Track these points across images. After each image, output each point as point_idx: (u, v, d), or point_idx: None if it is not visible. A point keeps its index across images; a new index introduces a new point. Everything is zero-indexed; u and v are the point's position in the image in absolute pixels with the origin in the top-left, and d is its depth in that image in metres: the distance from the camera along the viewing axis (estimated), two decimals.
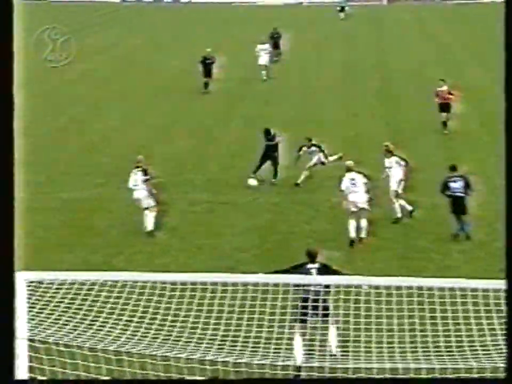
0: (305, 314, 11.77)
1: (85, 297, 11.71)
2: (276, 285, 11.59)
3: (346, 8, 67.33)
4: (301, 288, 11.66)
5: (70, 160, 26.17)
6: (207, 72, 36.32)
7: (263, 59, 38.87)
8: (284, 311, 12.25)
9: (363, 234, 18.32)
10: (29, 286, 11.06)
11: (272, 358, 11.13)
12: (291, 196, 21.98)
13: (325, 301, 11.81)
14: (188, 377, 10.33)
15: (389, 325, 11.28)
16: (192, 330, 11.11)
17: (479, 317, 11.29)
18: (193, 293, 11.93)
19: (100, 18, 72.44)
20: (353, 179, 18.38)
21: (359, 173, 18.63)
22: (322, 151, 22.83)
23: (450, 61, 45.23)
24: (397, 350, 10.85)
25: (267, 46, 39.83)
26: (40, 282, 11.32)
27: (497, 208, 18.35)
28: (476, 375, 10.56)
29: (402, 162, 20.01)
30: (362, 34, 57.73)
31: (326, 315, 12.20)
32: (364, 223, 18.30)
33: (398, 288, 10.77)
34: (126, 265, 16.87)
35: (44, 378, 10.33)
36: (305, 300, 11.58)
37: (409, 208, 19.91)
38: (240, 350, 11.23)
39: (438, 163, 24.41)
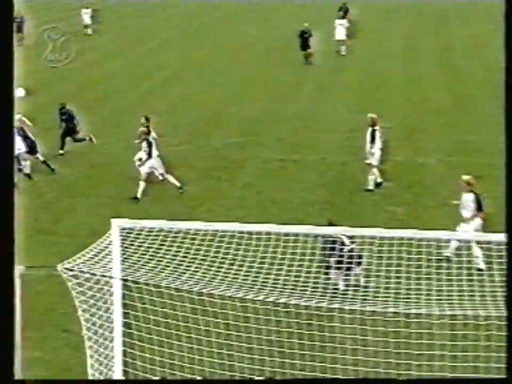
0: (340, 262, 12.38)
1: (170, 244, 11.89)
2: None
3: None
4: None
5: (156, 120, 26.40)
6: (305, 45, 35.58)
7: (340, 34, 37.06)
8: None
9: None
10: (121, 232, 11.30)
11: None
12: (356, 155, 21.78)
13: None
14: (263, 318, 10.44)
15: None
16: (267, 276, 11.19)
17: None
18: (267, 242, 12.01)
19: None
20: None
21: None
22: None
23: None
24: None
25: (345, 21, 37.88)
26: (131, 229, 11.54)
27: None
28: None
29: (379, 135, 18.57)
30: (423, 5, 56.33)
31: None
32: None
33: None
34: (207, 216, 17.01)
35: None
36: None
37: (378, 180, 18.83)
38: (309, 294, 11.26)
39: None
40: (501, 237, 8.03)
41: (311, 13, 54.05)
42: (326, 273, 12.68)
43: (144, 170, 18.83)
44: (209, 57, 38.32)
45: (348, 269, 12.97)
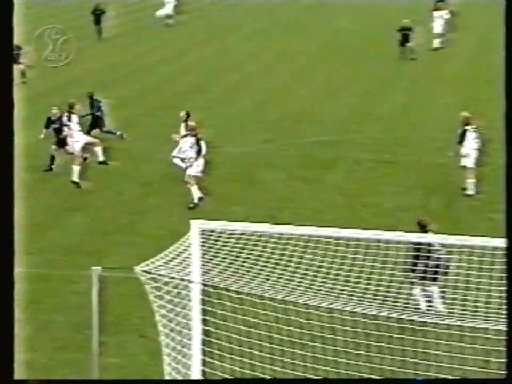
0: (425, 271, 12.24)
1: (253, 248, 11.95)
2: (443, 245, 11.37)
3: None
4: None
5: (240, 116, 26.62)
6: (404, 41, 34.81)
7: (438, 27, 35.89)
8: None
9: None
10: (202, 234, 11.43)
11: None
12: (457, 157, 21.39)
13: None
14: (351, 330, 10.37)
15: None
16: (356, 285, 11.12)
17: None
18: (356, 249, 11.92)
19: None
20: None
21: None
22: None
23: None
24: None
25: (443, 12, 36.23)
26: (212, 231, 11.65)
27: None
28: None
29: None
30: None
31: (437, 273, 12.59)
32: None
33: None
34: (292, 219, 17.03)
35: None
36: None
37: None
38: (392, 305, 11.13)
39: None
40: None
41: (411, 6, 53.34)
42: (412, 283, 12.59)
43: (192, 172, 18.36)
44: (299, 49, 38.34)
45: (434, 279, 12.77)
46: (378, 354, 10.09)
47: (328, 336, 10.33)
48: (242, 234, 12.00)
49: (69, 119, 19.85)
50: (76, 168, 19.15)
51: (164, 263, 10.85)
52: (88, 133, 21.53)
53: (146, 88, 30.50)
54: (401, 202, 18.35)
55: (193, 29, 44.25)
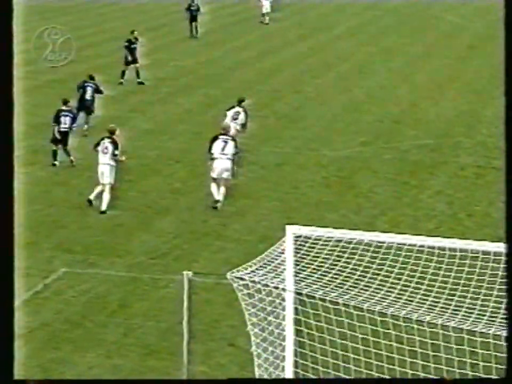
0: None
1: (350, 256, 11.88)
2: None
3: None
4: None
5: (335, 117, 26.54)
6: None
7: None
8: None
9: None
10: (296, 240, 11.43)
11: None
12: None
13: None
14: (454, 347, 10.18)
15: None
16: (461, 299, 10.91)
17: None
18: (462, 261, 11.70)
19: None
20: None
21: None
22: None
23: None
24: None
25: None
26: (307, 237, 11.64)
27: None
28: None
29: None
30: None
31: None
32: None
33: None
34: (389, 227, 16.86)
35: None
36: None
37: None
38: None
39: None
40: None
41: None
42: None
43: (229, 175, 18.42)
44: (398, 47, 38.02)
45: None
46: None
47: (432, 353, 10.18)
48: (338, 241, 11.95)
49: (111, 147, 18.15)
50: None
51: (257, 269, 10.91)
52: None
53: (237, 87, 30.77)
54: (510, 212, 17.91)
55: (288, 25, 44.39)
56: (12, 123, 4.89)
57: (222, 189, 18.45)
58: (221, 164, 18.37)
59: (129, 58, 29.62)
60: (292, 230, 11.41)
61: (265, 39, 40.60)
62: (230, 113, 21.28)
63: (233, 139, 18.74)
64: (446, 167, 21.19)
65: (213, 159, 18.40)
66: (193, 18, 40.09)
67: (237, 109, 21.41)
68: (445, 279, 11.61)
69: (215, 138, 18.54)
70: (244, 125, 21.44)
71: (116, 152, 17.91)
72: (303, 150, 22.74)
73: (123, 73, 29.91)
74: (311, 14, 49.12)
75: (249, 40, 40.23)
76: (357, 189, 19.81)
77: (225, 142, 18.46)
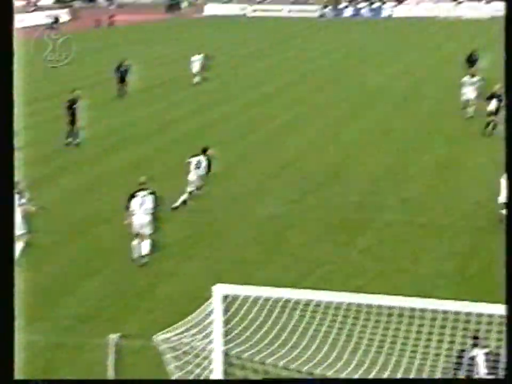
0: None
1: (279, 315, 11.89)
2: (479, 314, 11.26)
3: None
4: None
5: (265, 175, 26.71)
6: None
7: (468, 94, 33.96)
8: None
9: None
10: (225, 300, 11.41)
11: None
12: (494, 221, 21.30)
13: None
14: None
15: None
16: (389, 357, 10.99)
17: None
18: (388, 318, 11.82)
19: (296, 33, 73.73)
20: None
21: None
22: None
23: None
24: None
25: (476, 79, 34.16)
26: (235, 297, 11.63)
27: None
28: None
29: None
30: None
31: None
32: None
33: None
34: (320, 284, 16.94)
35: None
36: None
37: None
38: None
39: None
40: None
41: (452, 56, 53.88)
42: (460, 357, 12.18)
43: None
44: (329, 103, 38.69)
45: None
46: None
47: None
48: (267, 300, 11.96)
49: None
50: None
51: (184, 331, 10.84)
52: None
53: (164, 147, 30.80)
54: (437, 268, 18.22)
55: (217, 85, 44.80)
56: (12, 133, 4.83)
57: (146, 244, 18.52)
58: (140, 219, 18.49)
59: (71, 118, 29.55)
60: (220, 290, 11.40)
61: (195, 98, 40.90)
62: (193, 161, 22.36)
63: (152, 193, 18.82)
64: (373, 224, 21.49)
65: (131, 215, 18.52)
66: (122, 79, 40.18)
67: (200, 157, 22.38)
68: (372, 336, 11.70)
69: (132, 195, 18.67)
70: (206, 173, 22.43)
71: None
72: (232, 208, 22.83)
73: (68, 133, 29.80)
74: (241, 72, 49.74)
75: (177, 100, 40.48)
76: (287, 246, 19.92)
77: (144, 197, 18.58)
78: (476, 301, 12.53)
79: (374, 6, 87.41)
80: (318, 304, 12.05)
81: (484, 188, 24.22)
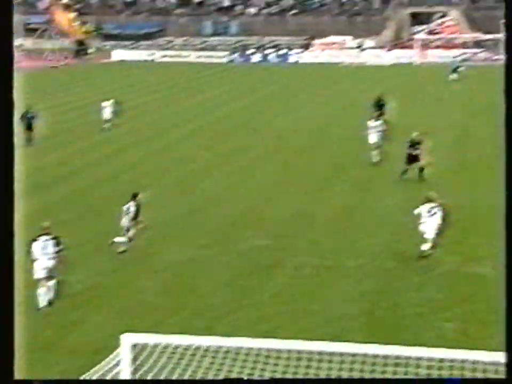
0: None
1: (188, 363, 11.82)
2: (385, 357, 11.41)
3: (460, 69, 66.76)
4: None
5: (174, 220, 26.64)
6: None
7: (374, 138, 34.31)
8: None
9: None
10: (133, 349, 11.28)
11: None
12: (400, 262, 21.72)
13: None
14: None
15: None
16: None
17: None
18: (298, 362, 11.88)
19: (205, 79, 74.32)
20: None
21: None
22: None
23: None
24: None
25: (379, 122, 35.02)
26: (144, 346, 11.51)
27: None
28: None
29: None
30: (476, 95, 57.21)
31: None
32: None
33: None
34: (229, 330, 16.92)
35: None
36: None
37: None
38: None
39: None
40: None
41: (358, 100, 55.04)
42: None
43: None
44: (238, 147, 38.97)
45: None
46: None
47: None
48: (176, 348, 11.88)
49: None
50: None
51: (92, 382, 10.65)
52: None
53: (72, 194, 30.42)
54: (345, 310, 18.42)
55: (127, 131, 44.62)
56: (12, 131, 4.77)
57: (50, 288, 18.24)
58: (43, 264, 18.22)
59: None
60: (128, 339, 11.27)
61: (104, 144, 40.62)
62: (124, 208, 22.57)
63: (55, 238, 18.57)
64: (283, 268, 21.62)
65: (33, 260, 18.24)
66: (29, 126, 39.58)
67: (130, 203, 22.50)
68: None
69: (34, 239, 18.40)
70: (133, 219, 22.39)
71: None
72: (140, 255, 22.64)
73: None
74: (150, 118, 49.69)
75: (86, 146, 40.12)
76: (197, 292, 19.84)
77: (46, 242, 18.34)
78: (384, 343, 12.71)
79: (281, 52, 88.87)
80: (227, 351, 12.04)
81: (390, 230, 24.73)
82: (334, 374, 12.11)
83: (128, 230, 22.49)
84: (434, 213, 21.38)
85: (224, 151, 38.55)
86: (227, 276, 20.97)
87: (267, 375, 11.91)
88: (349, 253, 22.62)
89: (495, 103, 55.22)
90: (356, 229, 25.17)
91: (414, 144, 30.82)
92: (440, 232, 21.54)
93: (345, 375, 11.96)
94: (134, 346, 11.24)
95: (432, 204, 21.49)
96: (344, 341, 15.77)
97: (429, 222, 21.36)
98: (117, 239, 22.53)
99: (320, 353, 11.71)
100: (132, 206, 22.50)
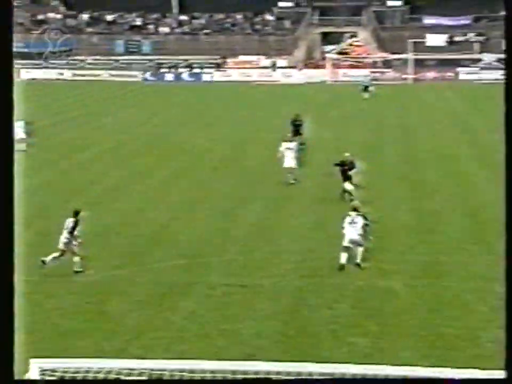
0: None
1: None
2: (299, 373, 11.46)
3: (370, 88, 68.12)
4: None
5: (87, 242, 26.23)
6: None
7: (289, 161, 33.81)
8: None
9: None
10: (42, 374, 11.03)
11: None
12: (313, 279, 21.89)
13: None
14: None
15: None
16: None
17: None
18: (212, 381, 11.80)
19: (118, 98, 73.78)
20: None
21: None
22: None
23: (478, 143, 45.47)
24: None
25: (293, 144, 34.40)
26: (54, 370, 11.27)
27: None
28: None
29: None
30: (387, 114, 58.38)
31: None
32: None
33: (426, 379, 10.60)
34: (143, 352, 16.74)
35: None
36: None
37: None
38: None
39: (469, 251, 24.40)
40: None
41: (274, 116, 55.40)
42: None
43: None
44: (151, 166, 38.72)
45: None
46: None
47: None
48: (88, 371, 11.67)
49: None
50: None
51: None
52: None
53: None
54: (259, 329, 18.43)
55: (37, 151, 43.82)
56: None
57: None
58: None
59: None
60: (36, 364, 11.02)
61: (18, 164, 39.71)
62: (65, 223, 22.75)
63: None
64: (198, 287, 21.52)
65: None
66: None
67: (70, 219, 22.81)
68: None
69: None
70: (70, 233, 22.60)
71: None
72: (50, 277, 22.19)
73: None
74: (60, 138, 48.92)
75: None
76: (109, 314, 19.56)
77: None
78: (298, 361, 12.74)
79: (194, 71, 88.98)
80: (141, 373, 11.90)
81: (304, 247, 24.90)
82: None
83: (67, 244, 22.58)
84: (357, 222, 22.47)
85: (139, 169, 38.27)
86: (141, 296, 20.75)
87: None
88: (263, 272, 22.68)
89: (405, 120, 56.51)
90: (270, 247, 25.27)
91: (346, 164, 30.63)
92: (365, 239, 22.63)
93: None
94: (43, 371, 11.00)
95: (356, 213, 22.71)
96: (259, 360, 15.80)
97: (353, 229, 22.37)
98: (49, 258, 22.43)
99: (233, 372, 11.67)
100: (70, 222, 22.74)
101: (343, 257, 22.06)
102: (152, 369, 11.95)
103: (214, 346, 17.31)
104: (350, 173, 30.48)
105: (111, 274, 22.61)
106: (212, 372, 11.69)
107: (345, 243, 22.21)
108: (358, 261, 22.13)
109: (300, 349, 17.06)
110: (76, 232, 22.73)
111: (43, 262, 22.38)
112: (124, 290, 21.25)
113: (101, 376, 11.78)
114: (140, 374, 11.86)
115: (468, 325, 18.40)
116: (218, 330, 18.36)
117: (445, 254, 23.96)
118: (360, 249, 22.22)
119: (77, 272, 22.47)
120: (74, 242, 22.66)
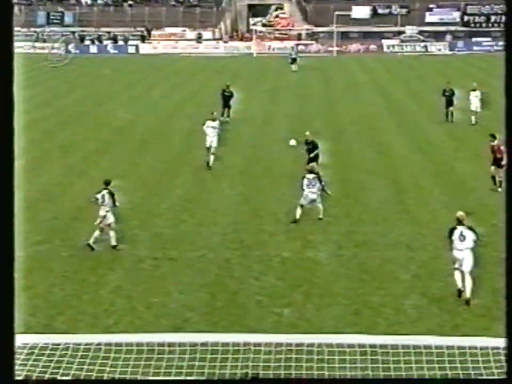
0: None
1: (23, 362, 11.50)
2: (226, 344, 11.55)
3: (298, 60, 68.37)
4: None
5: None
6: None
7: (210, 139, 32.22)
8: (233, 372, 12.18)
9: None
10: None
11: None
12: (240, 251, 22.00)
13: None
14: None
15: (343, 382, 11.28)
16: None
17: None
18: (139, 355, 11.81)
19: (44, 69, 72.41)
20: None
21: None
22: None
23: (400, 112, 46.15)
24: None
25: (216, 123, 32.69)
26: None
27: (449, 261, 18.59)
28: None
29: None
30: (313, 85, 58.71)
31: None
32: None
33: (351, 345, 10.80)
34: (68, 327, 16.60)
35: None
36: None
37: None
38: None
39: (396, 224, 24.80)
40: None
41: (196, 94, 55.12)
42: None
43: None
44: (73, 143, 38.19)
45: None
46: None
47: None
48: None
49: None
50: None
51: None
52: None
53: None
54: (186, 301, 18.45)
55: None
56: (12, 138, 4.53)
57: None
58: None
59: None
60: None
61: None
62: (98, 196, 22.08)
63: None
64: (124, 261, 21.40)
65: None
66: None
67: (103, 192, 22.10)
68: (122, 376, 11.62)
69: None
70: (114, 205, 22.16)
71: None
72: None
73: None
74: None
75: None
76: (33, 289, 19.31)
77: None
78: (225, 332, 12.82)
79: (119, 43, 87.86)
80: (66, 347, 11.83)
81: (230, 220, 24.98)
82: (175, 365, 12.14)
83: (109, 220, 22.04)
84: (314, 184, 24.04)
85: (63, 143, 37.72)
86: (66, 272, 20.54)
87: (107, 370, 11.77)
88: (190, 244, 22.68)
89: (331, 92, 56.85)
90: (197, 220, 25.26)
91: (309, 143, 29.67)
92: (321, 198, 24.32)
93: (187, 365, 12.00)
94: None
95: (313, 175, 24.21)
96: (187, 332, 15.86)
97: (311, 190, 24.01)
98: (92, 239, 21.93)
99: (161, 344, 11.70)
100: (105, 194, 22.04)
101: (298, 214, 23.96)
102: (79, 344, 11.90)
103: (142, 320, 17.27)
104: (312, 155, 29.53)
105: (34, 250, 22.30)
106: (139, 344, 11.69)
107: (304, 202, 23.99)
108: (321, 216, 24.27)
109: (227, 320, 17.16)
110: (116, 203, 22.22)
111: (90, 246, 21.82)
112: (48, 266, 21.00)
113: (25, 351, 11.66)
114: (66, 349, 11.79)
115: (392, 292, 18.76)
116: (145, 304, 18.32)
117: (368, 224, 24.33)
118: (320, 206, 24.22)
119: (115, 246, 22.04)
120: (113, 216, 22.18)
